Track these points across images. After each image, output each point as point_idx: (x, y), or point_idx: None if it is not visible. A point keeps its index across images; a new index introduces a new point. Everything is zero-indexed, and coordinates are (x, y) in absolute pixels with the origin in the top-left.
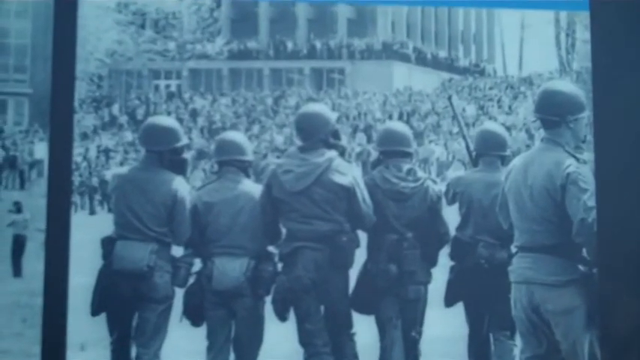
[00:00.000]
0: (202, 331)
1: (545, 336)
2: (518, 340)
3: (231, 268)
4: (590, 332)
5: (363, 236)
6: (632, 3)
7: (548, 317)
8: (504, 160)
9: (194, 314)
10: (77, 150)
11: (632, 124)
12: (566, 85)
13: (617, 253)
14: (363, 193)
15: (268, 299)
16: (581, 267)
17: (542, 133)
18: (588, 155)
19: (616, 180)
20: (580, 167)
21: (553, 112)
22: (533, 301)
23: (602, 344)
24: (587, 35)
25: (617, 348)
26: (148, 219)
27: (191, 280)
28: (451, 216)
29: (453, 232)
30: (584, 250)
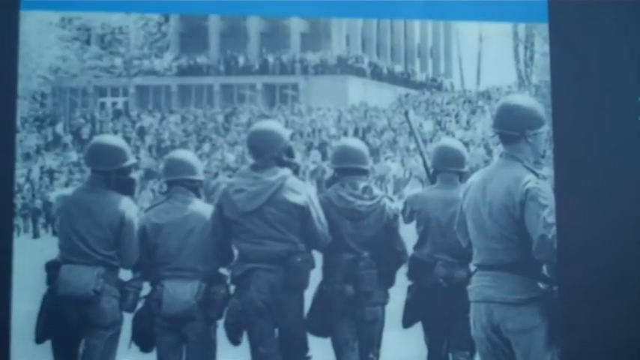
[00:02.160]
0: (152, 357)
1: (505, 356)
2: None
3: (182, 292)
4: (551, 351)
5: (318, 256)
6: (591, 16)
7: (508, 336)
8: (462, 177)
9: (143, 340)
10: (19, 171)
11: (592, 138)
12: (524, 100)
13: (578, 270)
14: (317, 212)
15: (220, 323)
16: (541, 285)
17: (500, 148)
18: (548, 171)
19: (576, 196)
20: (539, 183)
21: (512, 126)
22: (492, 320)
23: None
24: (546, 48)
25: None
26: (95, 242)
27: (140, 305)
28: (408, 234)
29: (410, 251)
30: (544, 268)
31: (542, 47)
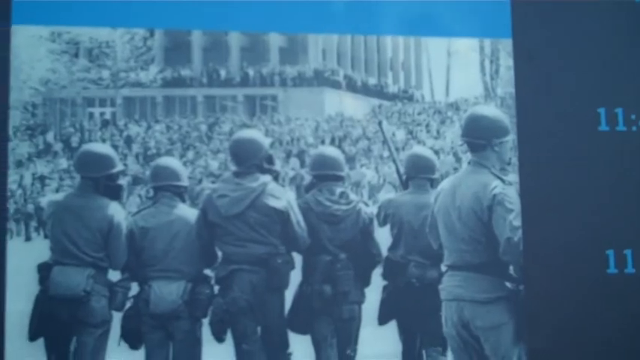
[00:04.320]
0: (141, 353)
1: (475, 351)
2: (449, 356)
3: (168, 292)
4: (518, 347)
5: (297, 258)
6: (553, 31)
7: (477, 333)
8: (433, 183)
9: (132, 337)
10: (12, 177)
11: (554, 147)
12: (491, 110)
13: (542, 270)
14: (297, 216)
15: (205, 321)
16: (508, 284)
17: (469, 156)
18: (513, 177)
19: (540, 200)
20: (506, 188)
21: (479, 135)
22: (463, 317)
23: (530, 358)
24: (510, 62)
25: None
26: (85, 244)
27: (128, 304)
28: (383, 237)
29: (385, 252)
30: (511, 268)
31: (506, 61)
